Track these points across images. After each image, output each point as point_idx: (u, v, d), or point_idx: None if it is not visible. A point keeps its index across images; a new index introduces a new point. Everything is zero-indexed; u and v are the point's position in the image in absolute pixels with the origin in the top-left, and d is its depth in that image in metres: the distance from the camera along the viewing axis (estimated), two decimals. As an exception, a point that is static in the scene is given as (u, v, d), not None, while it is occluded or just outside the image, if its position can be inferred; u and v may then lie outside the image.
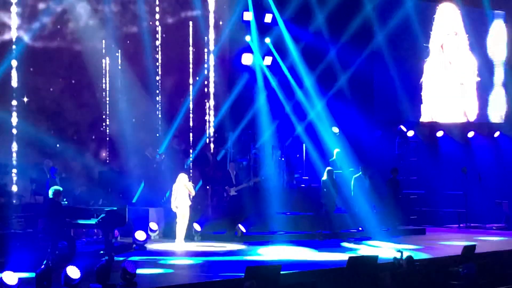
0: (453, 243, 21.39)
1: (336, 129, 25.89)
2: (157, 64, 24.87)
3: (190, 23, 25.34)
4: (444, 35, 28.83)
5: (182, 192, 20.36)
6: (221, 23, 25.71)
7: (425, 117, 28.66)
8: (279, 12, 25.75)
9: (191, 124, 25.49)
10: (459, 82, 29.32)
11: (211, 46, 25.66)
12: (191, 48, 25.46)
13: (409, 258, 14.72)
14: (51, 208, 16.40)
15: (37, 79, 22.73)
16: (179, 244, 20.26)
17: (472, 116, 29.58)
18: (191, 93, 25.50)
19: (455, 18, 29.15)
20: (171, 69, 25.07)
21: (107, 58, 24.01)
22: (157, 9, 24.75)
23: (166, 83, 24.80)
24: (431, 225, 25.66)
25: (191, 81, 25.47)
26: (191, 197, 20.55)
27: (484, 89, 29.73)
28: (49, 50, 22.88)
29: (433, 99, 28.74)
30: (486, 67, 29.67)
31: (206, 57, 25.68)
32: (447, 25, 28.97)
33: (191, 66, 25.51)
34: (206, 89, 25.70)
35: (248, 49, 25.53)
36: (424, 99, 28.56)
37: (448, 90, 29.07)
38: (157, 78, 24.80)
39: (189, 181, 20.95)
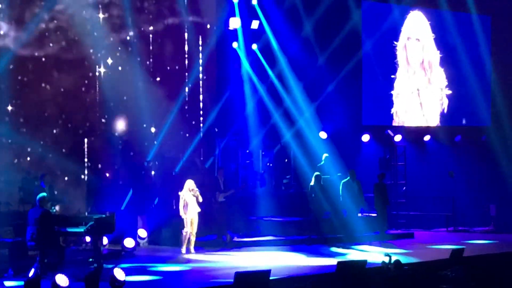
0: (441, 247, 21.45)
1: (324, 135, 25.98)
2: (147, 71, 24.86)
3: (181, 29, 25.34)
4: (405, 39, 28.90)
5: (190, 198, 19.92)
6: (208, 26, 25.72)
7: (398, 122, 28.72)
8: (266, 19, 25.83)
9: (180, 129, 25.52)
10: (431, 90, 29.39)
11: (200, 53, 25.67)
12: (186, 52, 25.43)
13: (397, 262, 14.78)
14: (39, 216, 16.38)
15: (25, 87, 22.70)
16: (185, 253, 19.94)
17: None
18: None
19: (422, 25, 29.22)
20: (160, 76, 25.07)
21: (99, 66, 23.97)
22: (145, 16, 24.75)
23: (155, 90, 24.77)
24: (419, 229, 25.72)
25: (180, 88, 25.46)
26: (198, 203, 20.07)
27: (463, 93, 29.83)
28: (37, 57, 22.86)
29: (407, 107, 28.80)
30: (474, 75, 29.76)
31: (194, 64, 25.68)
32: (412, 31, 29.04)
33: (185, 70, 25.52)
34: (199, 93, 25.73)
35: (236, 55, 25.58)
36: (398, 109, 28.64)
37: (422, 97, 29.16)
38: (147, 85, 24.78)
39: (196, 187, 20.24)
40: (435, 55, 29.36)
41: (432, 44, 29.29)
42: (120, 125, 24.29)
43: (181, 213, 19.99)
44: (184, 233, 20.01)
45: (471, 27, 29.63)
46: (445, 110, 29.50)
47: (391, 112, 28.37)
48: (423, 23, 29.12)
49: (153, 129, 24.73)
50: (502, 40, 29.69)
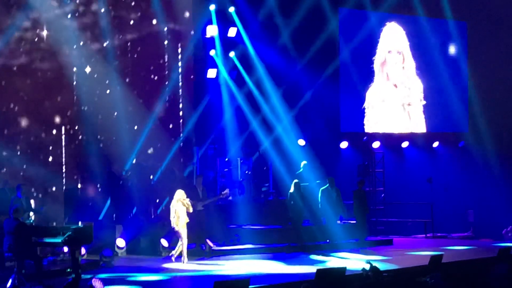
0: (420, 253, 21.50)
1: (302, 142, 25.99)
2: (124, 80, 24.77)
3: (158, 38, 25.26)
4: (386, 53, 29.00)
5: (180, 209, 19.61)
6: (185, 34, 25.65)
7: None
8: (244, 27, 25.83)
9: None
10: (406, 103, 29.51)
11: (177, 61, 25.61)
12: (164, 60, 25.35)
13: (375, 269, 14.75)
14: (14, 228, 16.27)
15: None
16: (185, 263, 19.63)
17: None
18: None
19: (399, 37, 29.35)
20: (138, 84, 24.97)
21: (75, 75, 23.83)
22: (122, 24, 24.67)
23: (133, 99, 24.67)
24: (398, 236, 25.77)
25: (158, 96, 25.37)
26: (187, 214, 19.75)
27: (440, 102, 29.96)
28: (11, 67, 22.70)
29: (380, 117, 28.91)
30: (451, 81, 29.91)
31: (172, 72, 25.59)
32: (391, 44, 29.15)
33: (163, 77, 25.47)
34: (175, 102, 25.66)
35: (213, 64, 25.55)
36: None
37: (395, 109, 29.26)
38: (124, 94, 24.68)
39: (187, 197, 19.96)
40: (413, 66, 29.47)
41: (410, 55, 29.41)
42: (98, 134, 24.16)
43: (173, 224, 19.66)
44: (182, 247, 19.63)
45: (448, 33, 29.78)
46: (423, 117, 29.60)
47: (367, 121, 28.42)
48: (400, 35, 29.24)
49: (131, 138, 24.61)
50: (478, 45, 29.85)
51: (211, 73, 25.41)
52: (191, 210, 19.74)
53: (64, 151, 23.87)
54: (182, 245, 19.64)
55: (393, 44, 29.12)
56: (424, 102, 29.57)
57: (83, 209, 22.02)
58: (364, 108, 28.16)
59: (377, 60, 28.71)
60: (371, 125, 28.51)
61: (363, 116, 28.14)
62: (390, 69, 29.02)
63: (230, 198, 23.18)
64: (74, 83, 23.79)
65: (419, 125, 29.54)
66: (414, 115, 29.47)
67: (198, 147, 25.24)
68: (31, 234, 16.81)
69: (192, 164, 25.10)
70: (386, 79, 28.92)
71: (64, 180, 23.63)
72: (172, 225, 19.74)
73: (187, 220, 19.74)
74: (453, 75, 29.93)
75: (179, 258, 19.81)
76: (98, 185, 23.50)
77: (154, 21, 24.89)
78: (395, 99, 29.14)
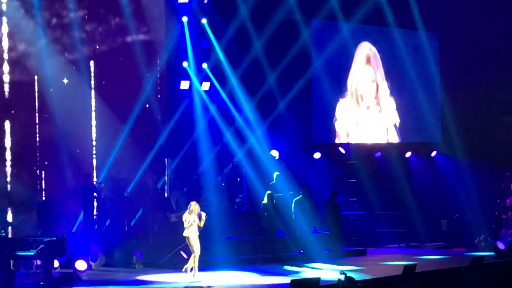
0: (393, 263, 21.57)
1: (275, 153, 26.02)
2: (96, 92, 24.69)
3: (131, 49, 25.21)
4: (361, 81, 29.20)
5: (193, 221, 19.20)
6: (158, 46, 25.63)
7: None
8: (216, 38, 25.85)
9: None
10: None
11: (150, 72, 25.56)
12: (137, 71, 25.28)
13: (350, 279, 14.80)
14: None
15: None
16: (189, 276, 19.28)
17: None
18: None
19: (373, 60, 29.58)
20: (111, 96, 24.88)
21: (48, 87, 23.71)
22: (94, 36, 24.62)
23: (106, 111, 24.61)
24: (371, 246, 25.82)
25: (131, 108, 25.30)
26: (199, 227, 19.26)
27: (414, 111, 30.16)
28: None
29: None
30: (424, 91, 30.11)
31: (145, 84, 25.53)
32: (365, 72, 29.36)
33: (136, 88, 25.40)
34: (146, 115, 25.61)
35: (186, 75, 25.54)
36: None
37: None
38: (97, 105, 24.60)
39: (200, 210, 19.39)
40: (385, 88, 29.67)
41: (382, 75, 29.60)
42: (71, 146, 24.06)
43: (185, 235, 19.21)
44: (194, 259, 19.25)
45: (420, 44, 29.97)
46: (397, 127, 29.76)
47: (337, 132, 28.54)
48: (373, 55, 29.43)
49: (104, 150, 24.53)
50: (449, 56, 30.07)
51: (184, 85, 25.41)
52: (201, 225, 19.20)
53: (38, 162, 23.75)
54: (194, 258, 19.30)
55: (367, 72, 29.30)
56: (398, 121, 29.83)
57: (56, 221, 21.87)
58: (341, 116, 28.23)
59: (350, 78, 28.90)
60: (348, 134, 28.66)
61: (335, 127, 28.23)
62: (364, 92, 29.18)
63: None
64: (47, 95, 23.65)
65: (391, 135, 29.68)
66: (386, 126, 29.62)
67: (171, 159, 25.19)
68: (3, 247, 16.70)
69: (165, 176, 25.04)
70: (359, 99, 29.09)
71: (37, 193, 23.50)
72: (184, 235, 19.29)
73: (197, 233, 19.23)
74: (425, 86, 30.11)
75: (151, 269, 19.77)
76: (72, 198, 23.36)
77: (127, 33, 24.84)
78: (368, 116, 29.34)
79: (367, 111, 29.28)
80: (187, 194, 24.25)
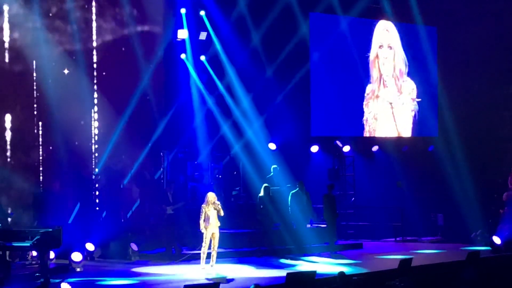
0: (389, 257, 21.60)
1: (272, 146, 26.01)
2: (94, 83, 24.64)
3: (128, 41, 25.14)
4: (377, 48, 29.21)
5: (211, 212, 19.14)
6: (156, 37, 25.58)
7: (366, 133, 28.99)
8: (214, 31, 25.81)
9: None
10: (397, 102, 29.68)
11: (148, 64, 25.51)
12: (135, 63, 25.24)
13: (341, 273, 14.80)
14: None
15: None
16: (203, 269, 19.26)
17: (407, 133, 29.97)
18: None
19: (392, 35, 29.57)
20: (108, 87, 24.84)
21: (45, 78, 23.65)
22: (92, 28, 24.55)
23: (103, 102, 24.55)
24: (368, 239, 25.86)
25: (128, 99, 25.25)
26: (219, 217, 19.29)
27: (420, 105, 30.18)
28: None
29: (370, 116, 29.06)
30: (422, 85, 30.11)
31: (143, 76, 25.48)
32: (383, 40, 29.38)
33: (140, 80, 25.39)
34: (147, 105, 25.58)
35: (184, 67, 25.50)
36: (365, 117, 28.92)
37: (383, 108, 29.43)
38: (94, 96, 24.56)
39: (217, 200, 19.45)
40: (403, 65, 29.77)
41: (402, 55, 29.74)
42: (68, 138, 24.01)
43: (202, 227, 19.20)
44: (202, 250, 19.28)
45: (418, 38, 29.93)
46: (394, 121, 29.74)
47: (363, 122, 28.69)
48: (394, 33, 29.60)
49: (101, 141, 24.49)
50: (448, 50, 30.03)
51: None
52: (222, 213, 19.21)
53: (33, 154, 23.70)
54: (212, 249, 19.29)
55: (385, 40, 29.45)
56: (416, 106, 29.92)
57: (52, 212, 21.84)
58: (340, 109, 28.21)
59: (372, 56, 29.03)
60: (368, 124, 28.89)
61: (334, 120, 28.18)
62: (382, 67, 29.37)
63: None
64: (44, 86, 23.59)
65: (389, 130, 29.65)
66: (385, 120, 29.61)
67: (168, 151, 25.16)
68: (-1, 238, 16.70)
69: (162, 168, 25.03)
70: (380, 77, 29.19)
71: (33, 184, 23.45)
72: (200, 228, 19.29)
73: (219, 223, 19.28)
74: (423, 80, 30.09)
75: (146, 262, 19.77)
76: (68, 189, 23.33)
77: (125, 24, 24.77)
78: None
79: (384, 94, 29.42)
80: (184, 187, 24.26)
